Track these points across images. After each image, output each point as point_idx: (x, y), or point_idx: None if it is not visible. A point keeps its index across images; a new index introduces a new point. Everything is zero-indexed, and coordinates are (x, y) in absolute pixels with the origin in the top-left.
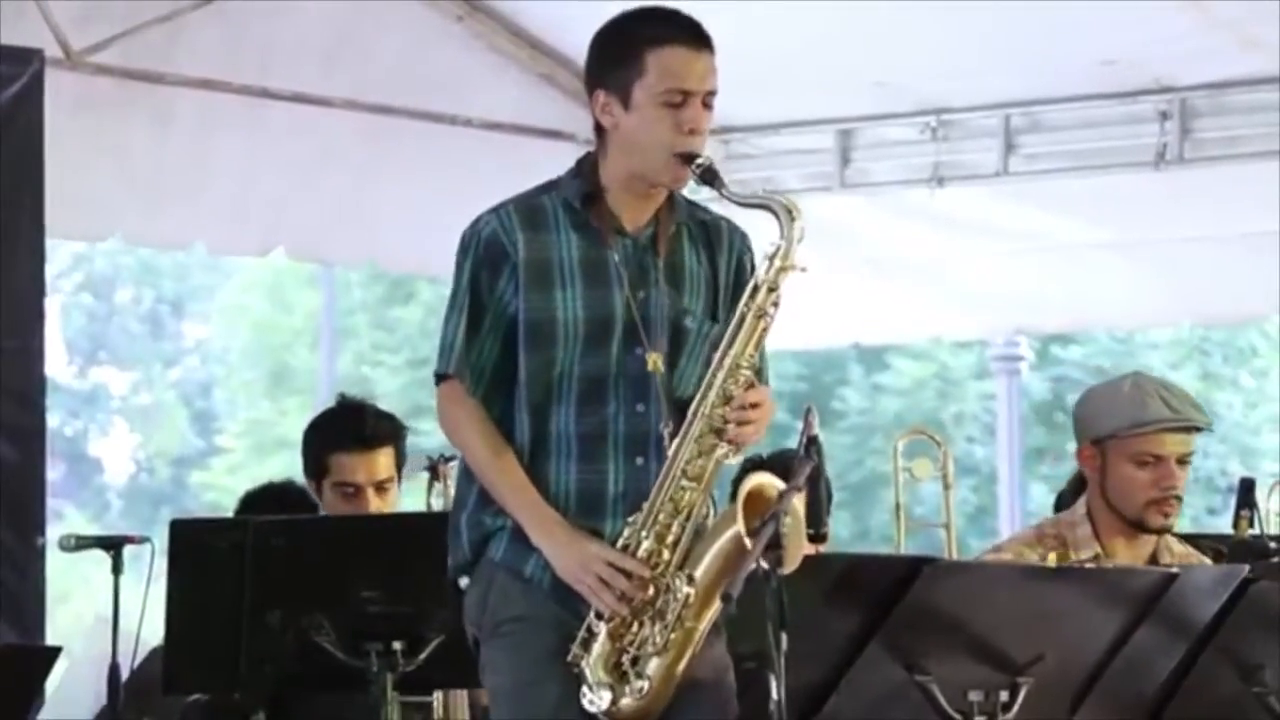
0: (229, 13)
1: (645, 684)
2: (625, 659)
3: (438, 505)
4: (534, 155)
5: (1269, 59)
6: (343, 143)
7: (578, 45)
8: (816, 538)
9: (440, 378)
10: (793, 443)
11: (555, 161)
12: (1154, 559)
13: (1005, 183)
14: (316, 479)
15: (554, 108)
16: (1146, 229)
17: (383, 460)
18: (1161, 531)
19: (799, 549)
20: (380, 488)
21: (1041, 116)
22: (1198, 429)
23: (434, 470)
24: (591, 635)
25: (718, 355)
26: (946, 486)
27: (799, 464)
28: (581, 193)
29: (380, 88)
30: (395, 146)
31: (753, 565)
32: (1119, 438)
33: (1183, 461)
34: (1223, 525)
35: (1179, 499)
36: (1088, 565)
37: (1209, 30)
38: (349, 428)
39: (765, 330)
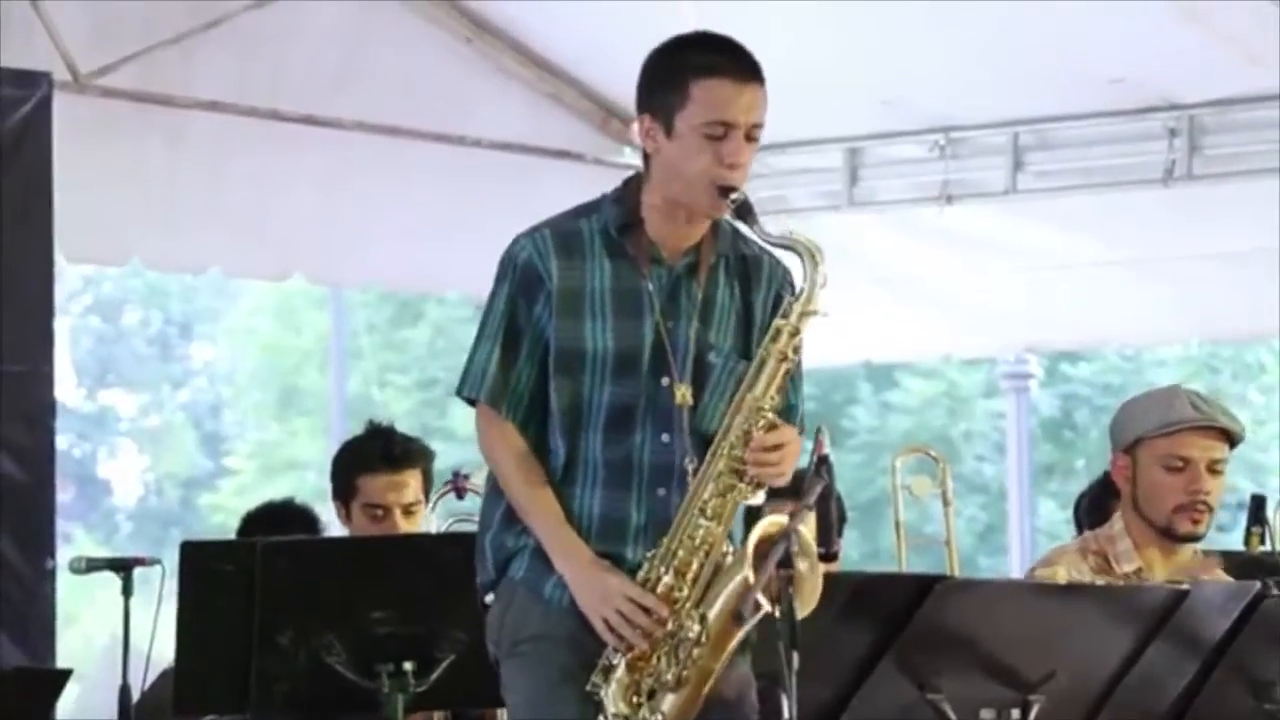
0: (237, 35)
1: (660, 718)
2: (643, 691)
3: (439, 524)
4: (542, 175)
5: (1275, 75)
6: (352, 164)
7: (585, 66)
8: (827, 556)
9: (474, 400)
10: (804, 463)
11: (563, 181)
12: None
13: (1014, 200)
14: (345, 501)
15: (562, 127)
16: (1155, 246)
17: (411, 483)
18: (1189, 539)
19: (814, 591)
20: (407, 510)
21: (1050, 134)
22: (1228, 437)
23: (457, 488)
24: (611, 666)
25: (738, 396)
26: (946, 503)
27: (810, 483)
28: (620, 221)
29: (389, 108)
30: (404, 167)
31: (765, 581)
32: (1147, 440)
33: (1214, 470)
34: (1233, 542)
35: (1209, 507)
36: (1099, 582)
37: (1215, 47)
38: (377, 449)
39: (787, 374)
